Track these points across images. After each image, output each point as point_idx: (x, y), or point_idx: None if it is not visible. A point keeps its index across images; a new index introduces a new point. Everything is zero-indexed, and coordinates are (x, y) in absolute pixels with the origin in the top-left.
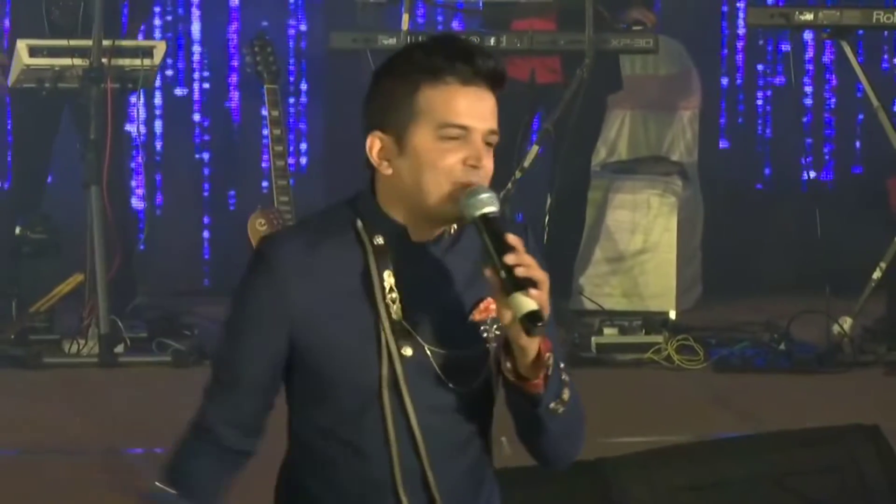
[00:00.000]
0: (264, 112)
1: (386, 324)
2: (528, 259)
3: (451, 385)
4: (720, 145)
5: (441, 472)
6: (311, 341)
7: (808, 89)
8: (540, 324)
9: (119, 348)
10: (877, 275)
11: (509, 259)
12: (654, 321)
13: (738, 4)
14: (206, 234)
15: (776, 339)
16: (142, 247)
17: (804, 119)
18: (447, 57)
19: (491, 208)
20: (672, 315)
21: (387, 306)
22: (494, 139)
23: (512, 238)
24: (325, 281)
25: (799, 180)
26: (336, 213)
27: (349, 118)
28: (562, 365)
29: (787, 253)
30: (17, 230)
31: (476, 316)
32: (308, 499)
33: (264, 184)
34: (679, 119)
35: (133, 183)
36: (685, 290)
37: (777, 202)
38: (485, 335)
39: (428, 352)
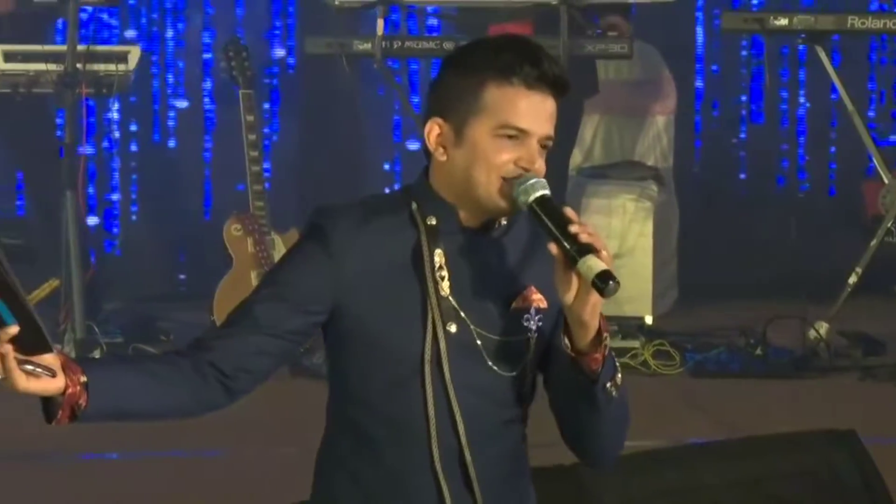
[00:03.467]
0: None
1: (433, 299)
2: (591, 227)
3: (493, 367)
4: (695, 150)
5: (478, 453)
6: (360, 309)
7: (783, 94)
8: (613, 282)
9: (95, 353)
10: (853, 279)
11: (573, 228)
12: (629, 326)
13: (714, 10)
14: (181, 239)
15: (752, 345)
16: (118, 252)
17: (779, 124)
18: (516, 58)
19: (545, 191)
20: (648, 320)
21: (435, 282)
22: (550, 143)
23: (569, 211)
24: (377, 254)
25: (774, 185)
26: (392, 196)
27: (324, 123)
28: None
29: (763, 258)
30: None
31: (517, 304)
32: (348, 476)
33: (239, 188)
34: (654, 124)
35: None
36: (661, 294)
37: (753, 207)
38: (526, 324)
39: (473, 331)
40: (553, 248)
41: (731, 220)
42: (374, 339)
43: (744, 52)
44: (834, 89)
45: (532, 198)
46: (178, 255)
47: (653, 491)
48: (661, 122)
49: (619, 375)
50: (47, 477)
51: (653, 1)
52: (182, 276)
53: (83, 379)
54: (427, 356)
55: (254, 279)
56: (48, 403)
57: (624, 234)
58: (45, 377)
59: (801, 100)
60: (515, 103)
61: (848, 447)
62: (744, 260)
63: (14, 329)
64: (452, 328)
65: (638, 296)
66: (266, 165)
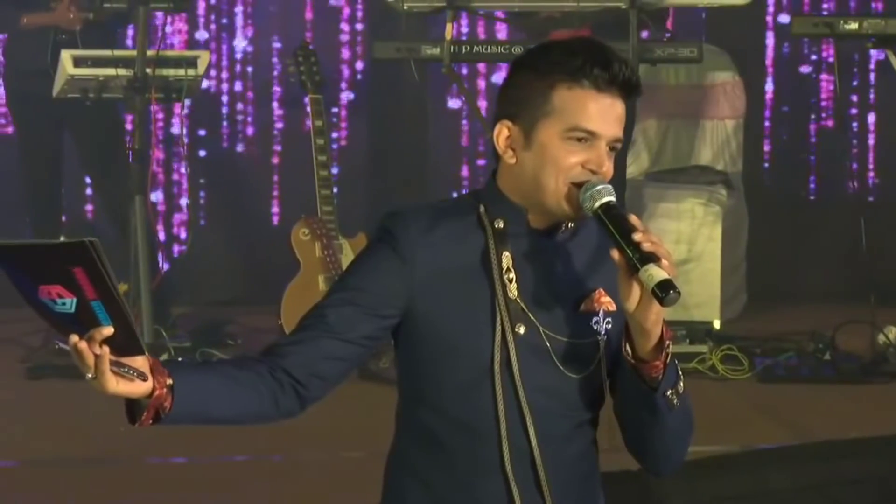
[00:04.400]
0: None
1: (501, 301)
2: (655, 236)
3: (562, 369)
4: (765, 155)
5: (549, 455)
6: (431, 311)
7: (854, 98)
8: (673, 292)
9: (163, 358)
10: None
11: (637, 236)
12: (698, 331)
13: (782, 14)
14: (250, 243)
15: (821, 349)
16: (186, 257)
17: (849, 128)
18: (586, 60)
19: (610, 198)
20: (716, 325)
21: (503, 284)
22: (618, 146)
23: (634, 218)
24: (446, 256)
25: (844, 189)
26: (461, 199)
27: (392, 127)
28: (677, 361)
29: (831, 262)
30: (61, 240)
31: (585, 306)
32: (418, 481)
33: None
34: (723, 128)
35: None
36: (729, 299)
37: (822, 211)
38: (595, 327)
39: (542, 333)
40: (616, 255)
41: (800, 224)
42: (444, 342)
43: (814, 56)
44: None
45: (597, 204)
46: (246, 259)
47: (720, 496)
48: (730, 126)
49: (682, 383)
50: (113, 481)
51: (723, 5)
52: (250, 281)
53: (169, 382)
54: (497, 358)
55: (321, 283)
56: (132, 404)
57: (692, 238)
58: (136, 381)
59: (871, 104)
60: (585, 105)
61: None
62: (813, 265)
63: (109, 330)
64: (521, 330)
65: (706, 300)
66: (334, 170)
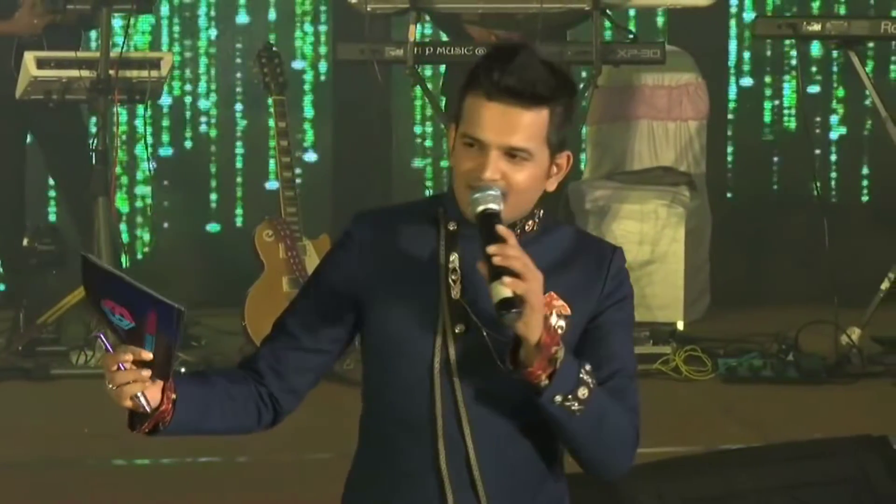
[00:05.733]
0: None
1: (444, 301)
2: (512, 251)
3: (507, 369)
4: (728, 156)
5: (488, 456)
6: (378, 310)
7: (816, 99)
8: (514, 311)
9: None
10: (885, 285)
11: (490, 249)
12: (661, 332)
13: (744, 15)
14: (213, 244)
15: (784, 350)
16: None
17: (812, 129)
18: (483, 67)
19: (489, 206)
20: (680, 326)
21: (448, 286)
22: (520, 153)
23: (502, 230)
24: (397, 255)
25: (807, 190)
26: (427, 201)
27: (356, 129)
28: (587, 367)
29: (795, 264)
30: (25, 242)
31: None
32: (367, 478)
33: (271, 194)
34: (687, 129)
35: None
36: (693, 300)
37: (786, 212)
38: None
39: (485, 334)
40: (480, 266)
41: (763, 225)
42: (389, 341)
43: (777, 58)
44: (867, 95)
45: (476, 210)
46: (209, 260)
47: (686, 497)
48: (693, 127)
49: (585, 391)
50: (78, 483)
51: (686, 6)
52: (214, 283)
53: (173, 397)
54: (437, 356)
55: (285, 285)
56: (132, 412)
57: (656, 239)
58: (143, 408)
59: (834, 105)
60: (475, 112)
61: (881, 453)
62: (776, 266)
63: (148, 356)
64: (461, 328)
65: (670, 302)
66: (297, 171)
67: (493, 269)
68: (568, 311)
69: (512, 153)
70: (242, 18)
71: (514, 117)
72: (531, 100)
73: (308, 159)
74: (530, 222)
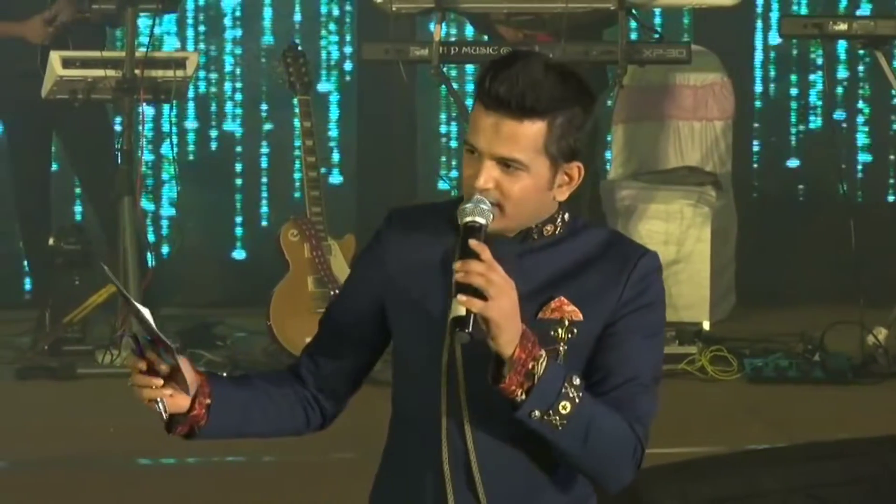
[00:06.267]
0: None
1: (453, 302)
2: (476, 267)
3: (487, 382)
4: (754, 156)
5: (488, 459)
6: (396, 309)
7: (843, 99)
8: (466, 330)
9: None
10: None
11: (455, 265)
12: (687, 332)
13: (770, 15)
14: (238, 244)
15: (810, 350)
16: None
17: (838, 129)
18: (485, 76)
19: (475, 219)
20: (705, 326)
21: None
22: (513, 164)
23: (474, 244)
24: (417, 256)
25: (833, 190)
26: (452, 201)
27: (381, 128)
28: (576, 381)
29: (820, 263)
30: (51, 241)
31: (543, 314)
32: (382, 478)
33: (296, 195)
34: (713, 129)
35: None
36: (719, 300)
37: (811, 212)
38: (553, 335)
39: (489, 339)
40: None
41: (789, 225)
42: (404, 342)
43: (803, 57)
44: (893, 94)
45: (461, 221)
46: (234, 260)
47: (709, 497)
48: (719, 127)
49: (568, 406)
50: (103, 482)
51: (712, 6)
52: (239, 282)
53: (208, 402)
54: (444, 358)
55: (310, 285)
56: (172, 414)
57: (682, 239)
58: (160, 413)
59: (860, 105)
60: (475, 121)
61: None
62: (802, 266)
63: (163, 367)
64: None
65: (695, 302)
66: (323, 171)
67: (456, 283)
68: (579, 317)
69: (505, 163)
70: (267, 18)
71: (505, 128)
72: (521, 112)
73: (333, 160)
74: (549, 227)
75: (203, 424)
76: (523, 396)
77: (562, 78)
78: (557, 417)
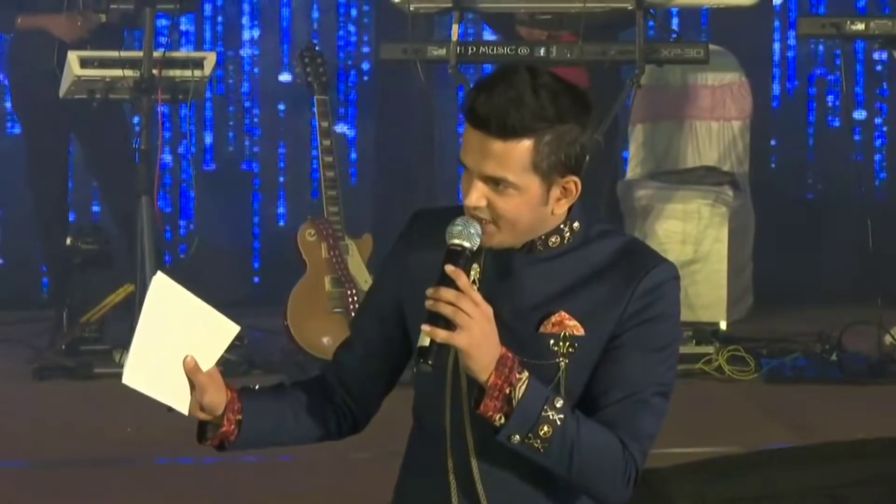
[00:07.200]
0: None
1: None
2: (447, 294)
3: (470, 405)
4: (771, 155)
5: (490, 468)
6: (410, 313)
7: (860, 99)
8: (429, 361)
9: None
10: None
11: (428, 291)
12: (704, 332)
13: (788, 14)
14: (255, 244)
15: (828, 350)
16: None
17: (856, 128)
18: (471, 94)
19: (457, 241)
20: (723, 326)
21: None
22: (501, 184)
23: (450, 269)
24: (433, 260)
25: (850, 190)
26: None
27: (399, 128)
28: (558, 404)
29: (838, 263)
30: (68, 241)
31: (544, 328)
32: (400, 480)
33: (314, 194)
34: (730, 129)
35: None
36: (736, 300)
37: (829, 212)
38: (555, 349)
39: None
40: None
41: (806, 225)
42: (413, 344)
43: (820, 57)
44: None
45: (448, 242)
46: (252, 260)
47: (728, 497)
48: (736, 126)
49: (549, 429)
50: (122, 482)
51: (729, 6)
52: (256, 282)
53: (238, 418)
54: (449, 365)
55: (328, 285)
56: (202, 426)
57: (699, 239)
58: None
59: (878, 105)
60: (465, 139)
61: None
62: (819, 265)
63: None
64: None
65: (713, 301)
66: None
67: (426, 312)
68: (581, 332)
69: (494, 181)
70: (286, 18)
71: (488, 147)
72: (502, 132)
73: (351, 159)
74: (554, 238)
75: (233, 440)
76: (502, 420)
77: (551, 95)
78: (538, 441)
